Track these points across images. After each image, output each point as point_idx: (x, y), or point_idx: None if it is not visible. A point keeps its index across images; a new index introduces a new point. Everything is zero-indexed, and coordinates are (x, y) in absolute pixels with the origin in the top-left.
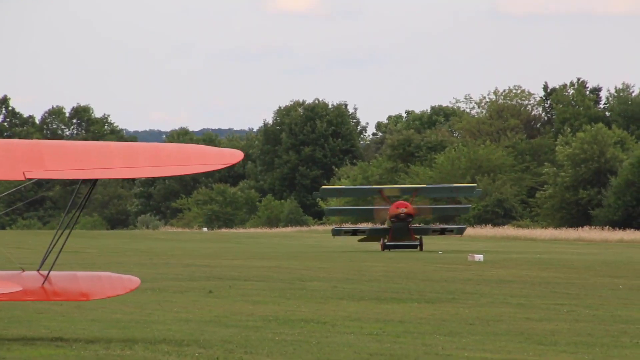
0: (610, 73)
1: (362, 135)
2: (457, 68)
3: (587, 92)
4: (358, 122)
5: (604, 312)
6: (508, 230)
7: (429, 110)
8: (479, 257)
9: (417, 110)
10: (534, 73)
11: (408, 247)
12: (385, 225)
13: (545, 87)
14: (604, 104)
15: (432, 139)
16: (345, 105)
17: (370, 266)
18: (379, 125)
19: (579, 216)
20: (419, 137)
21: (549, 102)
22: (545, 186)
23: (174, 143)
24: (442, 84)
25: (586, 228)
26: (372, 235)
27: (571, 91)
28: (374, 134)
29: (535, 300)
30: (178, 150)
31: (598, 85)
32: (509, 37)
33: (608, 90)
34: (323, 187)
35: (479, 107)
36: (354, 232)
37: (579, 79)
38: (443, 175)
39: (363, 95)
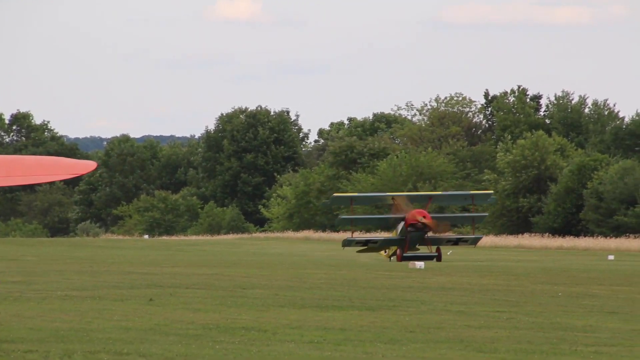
0: (551, 81)
1: (304, 142)
2: (398, 75)
3: (528, 100)
4: (300, 129)
5: (543, 319)
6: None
7: (371, 117)
8: (420, 264)
9: (359, 117)
10: (475, 80)
11: (426, 258)
12: (398, 236)
13: (486, 95)
14: (544, 111)
15: (374, 146)
16: (288, 112)
17: (311, 273)
18: (321, 132)
19: (519, 223)
20: (361, 144)
21: (489, 109)
22: None
23: (31, 155)
24: (384, 91)
25: (526, 235)
26: (373, 246)
27: (512, 99)
28: (316, 141)
29: (475, 307)
30: (29, 160)
31: (538, 93)
32: (451, 45)
33: (548, 98)
34: (335, 194)
35: (420, 114)
36: (366, 243)
37: (519, 87)
38: (384, 182)
39: (305, 102)
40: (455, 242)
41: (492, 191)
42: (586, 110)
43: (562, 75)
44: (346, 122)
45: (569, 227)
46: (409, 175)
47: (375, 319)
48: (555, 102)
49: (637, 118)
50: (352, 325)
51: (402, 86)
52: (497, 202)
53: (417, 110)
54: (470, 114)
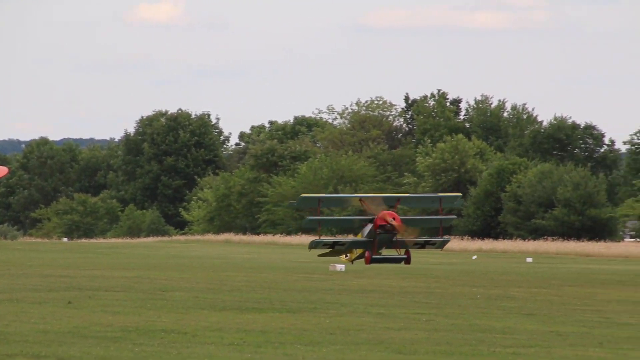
0: (470, 85)
1: (225, 145)
2: (319, 79)
3: (448, 104)
4: (221, 132)
5: (462, 321)
6: None
7: (291, 121)
8: (341, 266)
9: (280, 121)
10: (396, 84)
11: (395, 261)
12: (366, 238)
13: (406, 99)
14: (464, 115)
15: (295, 149)
16: (208, 116)
17: (232, 276)
18: (242, 136)
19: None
20: (282, 147)
21: (410, 113)
22: None
23: None
24: (304, 94)
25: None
26: (340, 249)
27: (432, 102)
28: (236, 144)
29: (395, 309)
30: None
31: (458, 97)
32: (371, 49)
33: (468, 102)
34: (302, 195)
35: (341, 117)
36: (334, 245)
37: (439, 91)
38: (305, 185)
39: (226, 106)
40: (423, 245)
41: (460, 194)
42: (505, 114)
43: (481, 79)
44: (267, 125)
45: (488, 229)
46: (329, 178)
47: (295, 321)
48: (474, 106)
49: (555, 122)
50: (272, 328)
51: (323, 90)
52: (464, 205)
53: (338, 113)
54: (391, 117)
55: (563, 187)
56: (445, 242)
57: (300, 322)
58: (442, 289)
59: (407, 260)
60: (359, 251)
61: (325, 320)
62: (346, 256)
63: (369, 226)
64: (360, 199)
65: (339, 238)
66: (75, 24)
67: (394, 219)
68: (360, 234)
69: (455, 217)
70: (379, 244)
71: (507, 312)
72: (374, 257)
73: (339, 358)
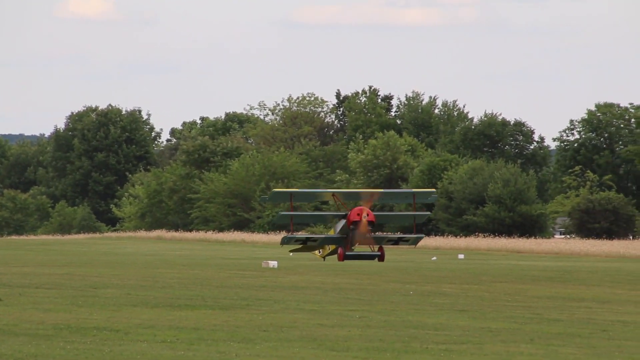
0: (401, 81)
1: (156, 142)
2: (251, 75)
3: (379, 100)
4: (152, 129)
5: (395, 317)
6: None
7: (223, 117)
8: (273, 263)
9: (212, 117)
10: (327, 81)
11: (368, 258)
12: (339, 234)
13: (338, 95)
14: (395, 111)
15: (226, 146)
16: (139, 112)
17: (164, 273)
18: (173, 132)
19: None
20: (214, 143)
21: (341, 109)
22: None
23: None
24: (236, 91)
25: (379, 234)
26: (313, 244)
27: (363, 99)
28: (168, 140)
29: (328, 306)
30: None
31: (389, 94)
32: (303, 45)
33: (399, 99)
34: (274, 190)
35: (273, 114)
36: (306, 241)
37: (370, 87)
38: (237, 181)
39: (157, 102)
40: (396, 241)
41: (434, 189)
42: (436, 110)
43: (412, 76)
44: (199, 121)
45: (419, 226)
46: (261, 174)
47: (228, 318)
48: (405, 102)
49: (485, 119)
50: (205, 325)
51: (255, 86)
52: (438, 200)
53: (270, 110)
54: (322, 114)
55: (494, 184)
56: (419, 239)
57: (233, 319)
58: (375, 286)
59: (381, 257)
60: (331, 247)
61: (258, 317)
62: (319, 252)
63: (342, 222)
64: (333, 194)
65: (312, 234)
66: (5, 18)
67: (367, 214)
68: (332, 230)
69: (429, 213)
70: (352, 240)
71: (439, 309)
72: (347, 253)
73: (272, 355)
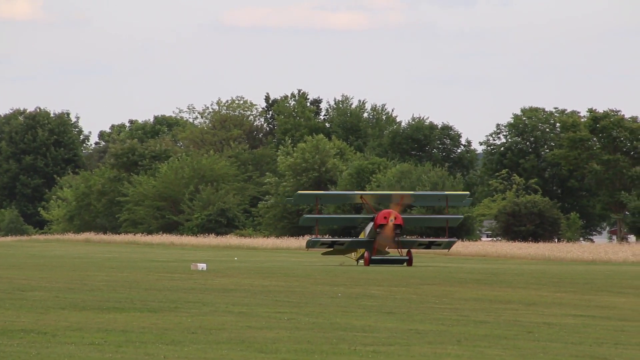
0: (330, 85)
1: (84, 144)
2: (180, 78)
3: (308, 104)
4: (81, 131)
5: (323, 319)
6: (231, 240)
7: (152, 120)
8: (202, 266)
9: (141, 120)
10: (256, 84)
11: (396, 262)
12: (367, 237)
13: (267, 98)
14: (324, 115)
15: (155, 149)
16: (68, 114)
17: (92, 275)
18: (102, 135)
19: (300, 226)
20: (143, 146)
21: (270, 113)
22: (267, 196)
23: None
24: (165, 94)
25: (307, 237)
26: (340, 248)
27: (292, 102)
28: (96, 143)
29: (257, 308)
30: None
31: (318, 97)
32: (232, 48)
33: (328, 102)
34: (299, 192)
35: (202, 117)
36: (332, 244)
37: (299, 91)
38: (166, 184)
39: (86, 104)
40: (428, 245)
41: (467, 192)
42: (365, 114)
43: (341, 80)
44: (127, 124)
45: (348, 228)
46: (190, 177)
47: (157, 321)
48: (334, 106)
49: (413, 123)
50: (133, 327)
51: (184, 89)
52: (470, 204)
53: (199, 113)
54: (252, 117)
55: (421, 187)
56: (452, 243)
57: (162, 322)
58: (303, 288)
59: (409, 262)
60: (361, 251)
61: (186, 319)
62: (353, 255)
63: (370, 225)
64: (361, 196)
65: (338, 238)
66: None
67: (395, 217)
68: (362, 233)
69: (461, 217)
70: (378, 244)
71: (367, 311)
72: (373, 257)
73: (200, 357)
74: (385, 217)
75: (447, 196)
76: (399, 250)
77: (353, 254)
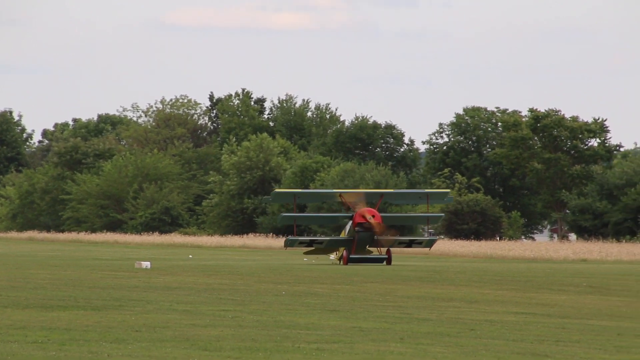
0: (274, 84)
1: (28, 143)
2: (124, 77)
3: (252, 103)
4: (24, 130)
5: (267, 317)
6: (175, 238)
7: (96, 119)
8: (146, 264)
9: (84, 118)
10: (200, 83)
11: (375, 261)
12: (347, 236)
13: (211, 97)
14: (268, 114)
15: (99, 147)
16: (10, 113)
17: (35, 274)
18: (45, 133)
19: (244, 223)
20: (86, 145)
21: (214, 111)
22: (212, 194)
23: None
24: (109, 92)
25: (251, 235)
26: (319, 247)
27: (236, 101)
28: (40, 142)
29: (201, 306)
30: None
31: (262, 96)
32: (176, 46)
33: (272, 101)
34: (276, 190)
35: (146, 115)
36: (311, 243)
37: (244, 90)
38: (110, 183)
39: (29, 103)
40: (409, 244)
41: (449, 190)
42: (309, 113)
43: (285, 79)
44: (71, 123)
45: (292, 227)
46: (134, 176)
47: (100, 319)
48: (278, 105)
49: (357, 122)
50: (77, 325)
51: (128, 87)
52: (452, 201)
53: (143, 111)
54: (196, 116)
55: (365, 186)
56: (432, 241)
57: (106, 320)
58: (247, 286)
59: (388, 261)
60: (342, 250)
61: (130, 317)
62: (335, 254)
63: (349, 224)
64: (340, 194)
65: (316, 236)
66: None
67: (373, 216)
68: (343, 232)
69: (442, 215)
70: (359, 243)
71: (311, 309)
72: (351, 256)
73: (144, 355)
74: (363, 216)
75: (427, 194)
76: (379, 249)
77: (335, 253)
